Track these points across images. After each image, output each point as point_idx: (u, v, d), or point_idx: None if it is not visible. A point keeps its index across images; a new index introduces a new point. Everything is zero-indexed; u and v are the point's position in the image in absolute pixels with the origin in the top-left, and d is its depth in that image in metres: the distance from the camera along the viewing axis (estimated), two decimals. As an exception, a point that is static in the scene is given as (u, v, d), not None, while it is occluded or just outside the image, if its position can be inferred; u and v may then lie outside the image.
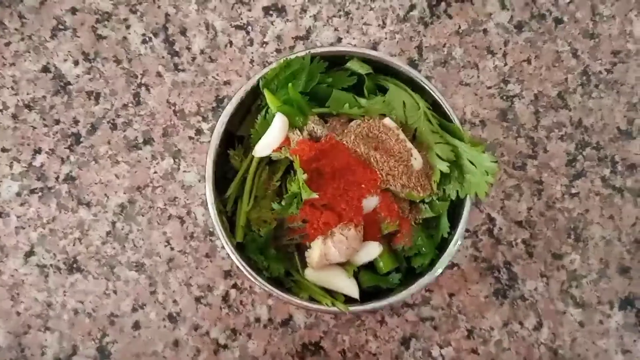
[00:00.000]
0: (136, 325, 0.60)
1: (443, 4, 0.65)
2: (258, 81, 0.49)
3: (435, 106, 0.50)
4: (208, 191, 0.48)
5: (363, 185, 0.46)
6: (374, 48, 0.64)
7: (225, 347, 0.60)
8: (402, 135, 0.48)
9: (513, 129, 0.63)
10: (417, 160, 0.48)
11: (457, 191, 0.48)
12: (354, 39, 0.64)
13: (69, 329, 0.60)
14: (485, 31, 0.64)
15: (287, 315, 0.60)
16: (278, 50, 0.64)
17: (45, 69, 0.63)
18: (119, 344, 0.60)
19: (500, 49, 0.64)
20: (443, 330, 0.60)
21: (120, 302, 0.60)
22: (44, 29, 0.64)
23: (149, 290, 0.60)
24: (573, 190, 0.62)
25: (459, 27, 0.64)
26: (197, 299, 0.60)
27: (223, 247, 0.61)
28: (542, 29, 0.64)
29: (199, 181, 0.62)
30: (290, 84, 0.47)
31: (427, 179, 0.48)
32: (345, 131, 0.48)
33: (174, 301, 0.60)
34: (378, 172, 0.47)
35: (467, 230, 0.61)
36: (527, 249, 0.61)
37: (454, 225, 0.49)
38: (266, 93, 0.48)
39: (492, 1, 0.65)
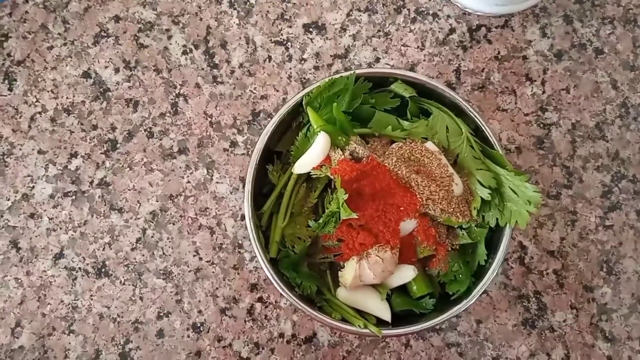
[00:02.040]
0: (160, 333, 0.60)
1: (483, 29, 0.65)
2: (301, 98, 0.49)
3: (476, 131, 0.50)
4: (246, 206, 0.48)
5: (402, 208, 0.46)
6: (412, 69, 0.64)
7: (248, 361, 0.59)
8: (444, 160, 0.48)
9: (549, 157, 0.62)
10: (458, 186, 0.47)
11: (497, 219, 0.47)
12: (392, 59, 0.64)
13: (93, 333, 0.60)
14: (524, 58, 0.64)
15: (311, 332, 0.60)
16: (316, 68, 0.64)
17: (86, 75, 0.64)
18: (142, 351, 0.60)
19: (539, 76, 0.64)
20: (468, 357, 0.60)
21: (145, 309, 0.60)
22: (86, 35, 0.65)
23: (174, 299, 0.60)
24: (607, 223, 0.62)
25: (498, 53, 0.64)
26: (222, 311, 0.60)
27: (251, 260, 0.61)
28: (582, 58, 0.64)
29: (231, 193, 0.62)
30: (334, 103, 0.47)
31: (466, 205, 0.48)
32: (387, 153, 0.48)
33: (199, 311, 0.60)
34: (418, 196, 0.46)
35: (497, 257, 0.61)
36: (558, 279, 0.61)
37: (490, 253, 0.48)
38: (309, 111, 0.48)
39: (533, 29, 0.65)
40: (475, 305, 0.60)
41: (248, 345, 0.60)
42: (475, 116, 0.49)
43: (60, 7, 0.65)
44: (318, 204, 0.50)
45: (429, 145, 0.49)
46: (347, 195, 0.44)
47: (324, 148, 0.46)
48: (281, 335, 0.60)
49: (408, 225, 0.47)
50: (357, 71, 0.49)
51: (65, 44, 0.65)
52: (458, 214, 0.47)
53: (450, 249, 0.49)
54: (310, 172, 0.48)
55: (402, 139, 0.49)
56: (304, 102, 0.49)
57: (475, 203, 0.47)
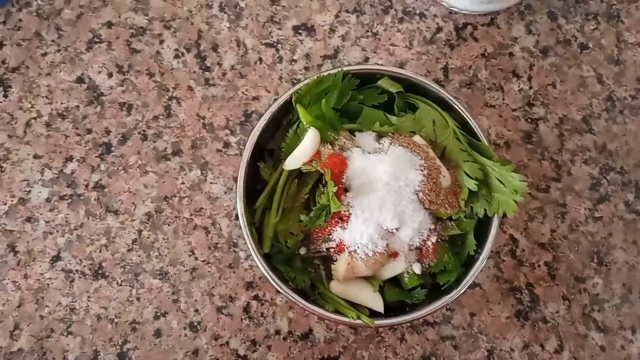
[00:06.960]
0: (157, 333, 0.60)
1: (469, 27, 0.66)
2: (290, 96, 0.50)
3: (463, 125, 0.51)
4: (239, 202, 0.49)
5: (391, 201, 0.47)
6: (401, 68, 0.65)
7: (244, 358, 0.60)
8: (431, 153, 0.49)
9: (537, 151, 0.63)
10: (445, 178, 0.48)
11: (485, 209, 0.48)
12: (380, 59, 0.65)
13: (91, 334, 0.60)
14: (510, 54, 0.65)
15: (307, 328, 0.61)
16: (306, 68, 0.65)
17: (80, 80, 0.65)
18: (140, 351, 0.60)
19: (526, 72, 0.65)
20: (463, 349, 0.60)
21: (142, 309, 0.61)
22: (80, 42, 0.66)
23: (171, 298, 0.61)
24: (597, 214, 0.62)
25: (485, 50, 0.65)
26: (219, 309, 0.61)
27: (246, 259, 0.62)
28: (567, 54, 0.65)
29: (225, 193, 0.63)
30: (323, 100, 0.48)
31: (455, 196, 0.49)
32: (375, 147, 0.49)
33: (196, 310, 0.61)
34: (407, 189, 0.47)
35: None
36: (550, 271, 0.61)
37: (480, 244, 0.49)
38: (299, 108, 0.49)
39: (518, 26, 0.66)
40: (469, 298, 0.61)
41: (245, 343, 0.60)
42: (460, 109, 0.50)
43: (53, 15, 0.66)
44: (310, 200, 0.51)
45: (416, 138, 0.50)
46: (336, 187, 0.45)
47: (313, 143, 0.47)
48: (277, 332, 0.61)
49: (398, 217, 0.48)
50: (345, 68, 0.50)
51: (59, 51, 0.66)
52: (446, 205, 0.48)
53: (440, 240, 0.50)
54: (301, 168, 0.49)
55: (390, 133, 0.50)
56: (293, 100, 0.50)
57: (463, 194, 0.48)
